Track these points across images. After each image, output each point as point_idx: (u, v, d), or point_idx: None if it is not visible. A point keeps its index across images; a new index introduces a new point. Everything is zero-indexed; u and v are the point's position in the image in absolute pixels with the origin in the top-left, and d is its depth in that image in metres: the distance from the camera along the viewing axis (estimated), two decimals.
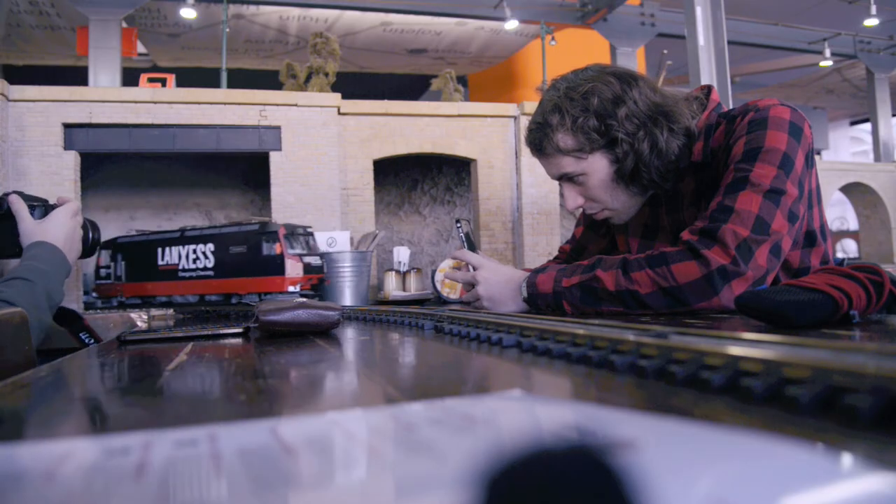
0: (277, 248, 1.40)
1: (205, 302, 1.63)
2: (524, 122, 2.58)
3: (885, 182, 4.19)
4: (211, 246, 1.52)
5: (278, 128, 2.31)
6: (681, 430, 0.23)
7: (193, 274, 1.54)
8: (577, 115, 0.96)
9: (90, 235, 1.18)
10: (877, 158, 5.05)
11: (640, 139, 0.95)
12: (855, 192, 4.23)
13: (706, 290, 0.84)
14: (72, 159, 2.14)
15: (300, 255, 1.47)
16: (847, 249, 5.85)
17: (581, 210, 1.10)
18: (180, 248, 1.57)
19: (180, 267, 1.56)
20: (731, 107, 1.13)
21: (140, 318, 1.79)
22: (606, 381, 0.39)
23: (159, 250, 1.61)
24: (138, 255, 1.68)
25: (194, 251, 1.54)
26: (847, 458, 0.19)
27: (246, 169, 2.71)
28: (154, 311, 1.78)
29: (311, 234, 1.60)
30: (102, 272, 1.79)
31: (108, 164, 2.56)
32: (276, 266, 1.41)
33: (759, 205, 0.85)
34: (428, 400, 0.31)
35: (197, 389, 0.47)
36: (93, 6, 3.14)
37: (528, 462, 0.13)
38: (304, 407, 0.40)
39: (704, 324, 0.68)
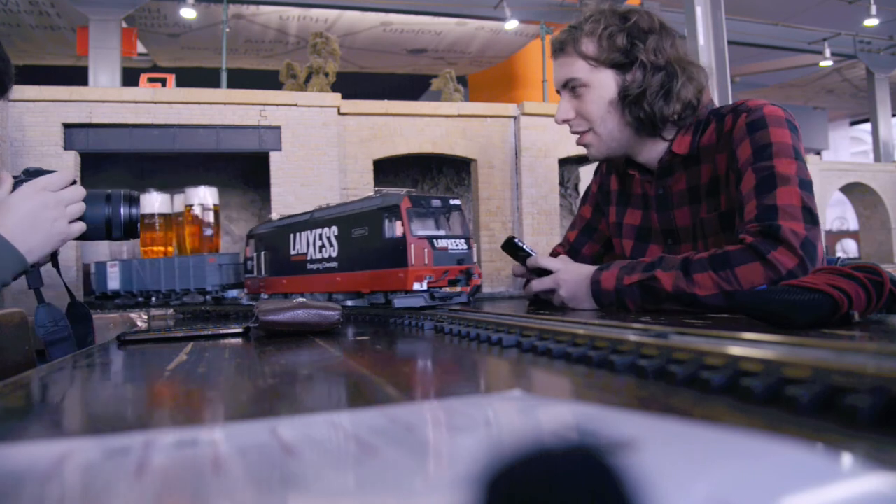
0: (399, 229, 0.98)
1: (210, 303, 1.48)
2: (524, 122, 2.58)
3: (885, 182, 4.19)
4: (335, 229, 1.16)
5: (278, 128, 2.31)
6: (681, 430, 0.23)
7: (320, 266, 1.21)
8: (609, 26, 1.00)
9: (121, 211, 0.96)
10: (877, 158, 5.06)
11: (655, 72, 0.99)
12: (855, 192, 4.23)
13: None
14: (72, 159, 2.14)
15: (431, 238, 1.00)
16: (847, 249, 5.85)
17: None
18: (308, 233, 1.24)
19: (308, 257, 1.24)
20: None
21: (140, 318, 1.79)
22: (606, 381, 0.39)
23: (291, 237, 1.30)
24: (274, 244, 1.39)
25: (320, 237, 1.21)
26: (847, 458, 0.19)
27: (246, 169, 2.71)
28: (154, 311, 1.78)
29: (457, 207, 1.06)
30: (248, 264, 1.51)
31: (108, 164, 2.56)
32: (397, 254, 0.99)
33: (800, 197, 0.87)
34: (428, 400, 0.31)
35: (197, 389, 0.47)
36: (93, 6, 3.14)
37: (528, 462, 0.13)
38: (304, 407, 0.40)
39: (704, 324, 0.68)
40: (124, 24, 3.32)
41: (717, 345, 0.36)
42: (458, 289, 0.99)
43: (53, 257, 0.96)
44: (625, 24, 1.00)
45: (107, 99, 2.19)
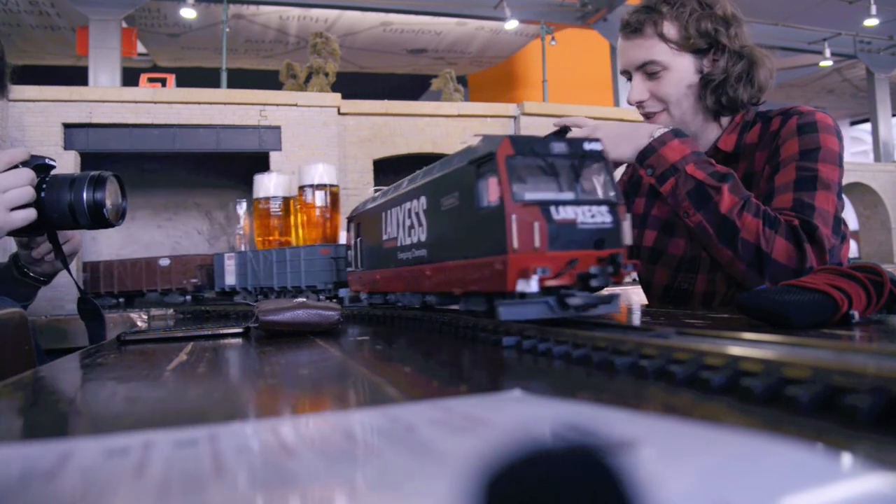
0: (493, 190, 0.57)
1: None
2: (524, 122, 2.58)
3: (885, 182, 4.19)
4: (423, 201, 0.76)
5: (278, 128, 2.31)
6: (681, 430, 0.23)
7: (409, 255, 0.80)
8: (696, 11, 1.01)
9: (83, 196, 0.85)
10: (877, 158, 5.05)
11: (737, 58, 1.01)
12: (855, 192, 4.23)
13: (787, 278, 0.84)
14: (72, 159, 2.14)
15: (546, 205, 0.56)
16: None
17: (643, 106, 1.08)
18: (398, 209, 0.85)
19: (399, 243, 0.84)
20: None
21: (140, 318, 1.79)
22: (606, 381, 0.39)
23: (383, 218, 0.91)
24: (369, 228, 0.99)
25: (409, 213, 0.81)
26: (847, 458, 0.19)
27: (246, 169, 2.71)
28: (154, 311, 1.78)
29: (595, 155, 0.60)
30: (349, 255, 1.15)
31: (108, 164, 2.55)
32: (492, 232, 0.58)
33: (835, 205, 0.90)
34: (428, 400, 0.31)
35: (197, 389, 0.47)
36: (93, 6, 3.14)
37: (528, 462, 0.13)
38: (303, 407, 0.40)
39: (704, 324, 0.68)
40: (124, 24, 3.31)
41: (717, 345, 0.36)
42: (601, 288, 0.57)
43: (59, 252, 0.94)
44: (710, 9, 1.02)
45: (107, 99, 2.19)
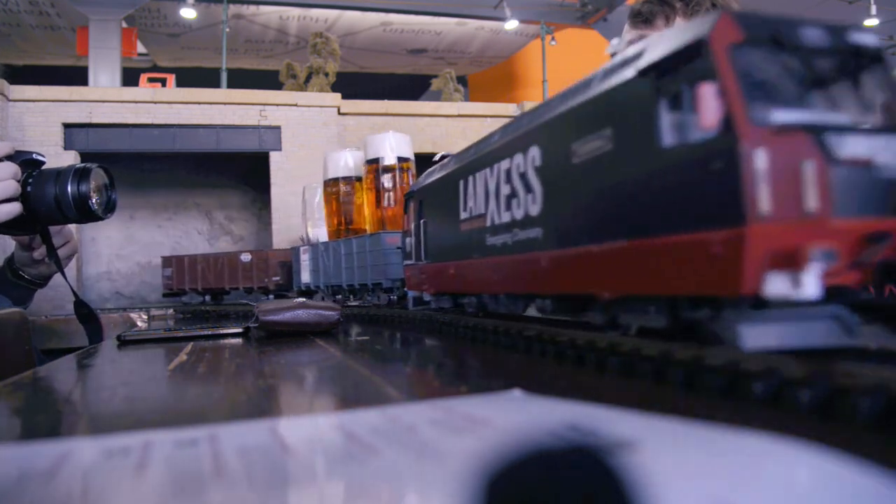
0: (710, 107, 0.29)
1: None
2: None
3: None
4: (535, 153, 0.48)
5: (278, 128, 2.31)
6: (681, 430, 0.23)
7: (508, 239, 0.53)
8: (710, 11, 1.01)
9: (68, 189, 0.82)
10: None
11: None
12: None
13: None
14: (72, 159, 2.14)
15: (821, 132, 0.29)
16: None
17: None
18: (487, 172, 0.58)
19: (487, 222, 0.58)
20: None
21: (140, 318, 1.79)
22: (606, 381, 0.39)
23: (461, 188, 0.65)
24: (438, 205, 0.73)
25: (507, 176, 0.53)
26: (847, 458, 0.19)
27: (246, 169, 2.71)
28: (154, 311, 1.78)
29: (874, 55, 0.32)
30: (407, 244, 0.86)
31: (108, 164, 2.56)
32: (708, 189, 0.30)
33: None
34: (428, 400, 0.31)
35: (197, 389, 0.47)
36: (93, 6, 3.14)
37: (528, 462, 0.13)
38: (304, 407, 0.40)
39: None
40: (124, 24, 3.31)
41: (716, 345, 0.36)
42: None
43: (52, 251, 0.93)
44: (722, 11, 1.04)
45: (107, 99, 2.19)
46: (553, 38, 4.06)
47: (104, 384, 0.54)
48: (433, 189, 0.73)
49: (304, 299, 0.86)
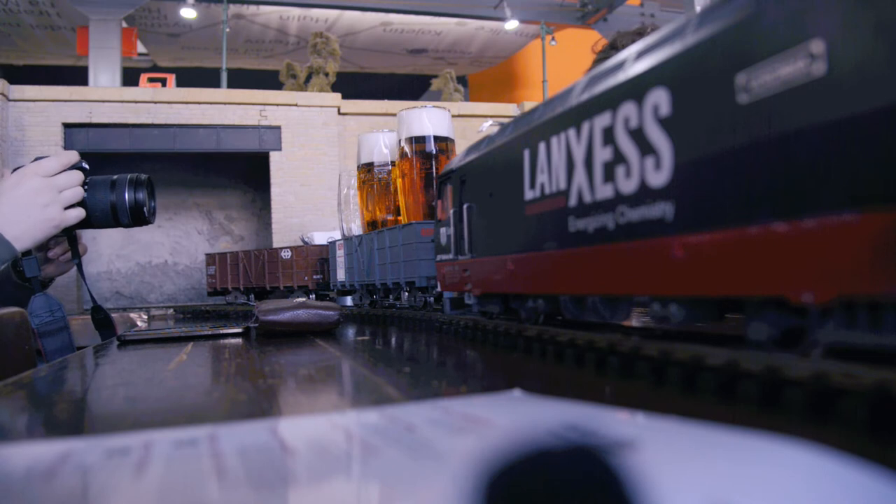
0: None
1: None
2: None
3: None
4: (661, 99, 0.34)
5: (278, 128, 2.31)
6: (681, 430, 0.23)
7: (605, 221, 0.40)
8: None
9: (125, 197, 0.89)
10: None
11: None
12: None
13: None
14: None
15: None
16: None
17: None
18: (572, 132, 0.42)
19: (572, 200, 0.43)
20: None
21: (140, 318, 1.79)
22: (606, 381, 0.39)
23: (525, 156, 0.49)
24: (490, 184, 0.58)
25: (606, 136, 0.39)
26: (847, 458, 0.19)
27: (246, 169, 2.71)
28: (154, 311, 1.78)
29: None
30: (443, 235, 0.73)
31: (108, 164, 2.56)
32: None
33: None
34: (428, 400, 0.31)
35: (197, 389, 0.47)
36: (93, 6, 3.14)
37: (528, 462, 0.13)
38: (304, 407, 0.40)
39: (704, 324, 0.68)
40: (124, 24, 3.31)
41: (716, 345, 0.36)
42: None
43: (76, 253, 0.95)
44: None
45: (107, 99, 2.20)
46: (553, 38, 4.07)
47: (104, 384, 0.54)
48: (481, 165, 0.59)
49: (304, 299, 0.86)
